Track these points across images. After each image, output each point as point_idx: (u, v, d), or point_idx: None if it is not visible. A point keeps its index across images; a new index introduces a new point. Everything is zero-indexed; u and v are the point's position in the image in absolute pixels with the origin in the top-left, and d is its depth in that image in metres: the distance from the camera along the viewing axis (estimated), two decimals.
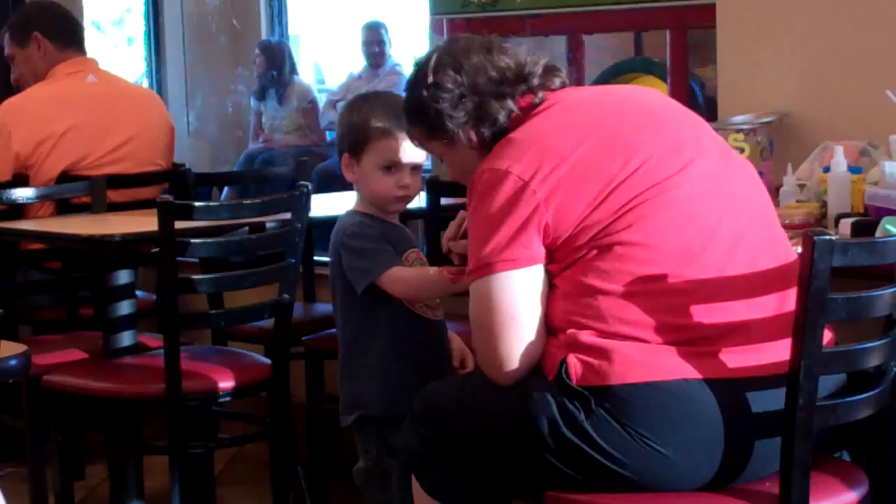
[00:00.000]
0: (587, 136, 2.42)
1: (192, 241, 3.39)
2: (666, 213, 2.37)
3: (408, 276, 2.91)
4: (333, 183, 6.39)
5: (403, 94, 2.71)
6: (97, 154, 4.46)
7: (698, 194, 2.41)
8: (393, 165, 2.94)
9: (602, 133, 2.43)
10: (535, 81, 2.55)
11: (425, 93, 2.57)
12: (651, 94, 2.73)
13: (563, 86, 2.60)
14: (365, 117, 2.95)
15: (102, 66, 4.74)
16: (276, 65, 7.65)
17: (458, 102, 2.54)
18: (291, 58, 7.77)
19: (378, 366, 2.96)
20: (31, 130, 4.41)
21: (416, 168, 2.97)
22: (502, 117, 2.53)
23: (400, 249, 2.97)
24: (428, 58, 2.61)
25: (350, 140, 2.98)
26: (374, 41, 7.67)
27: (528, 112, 2.53)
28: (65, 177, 4.43)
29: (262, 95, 7.78)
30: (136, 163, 4.51)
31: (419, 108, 2.60)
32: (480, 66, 2.55)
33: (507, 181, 2.39)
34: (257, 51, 7.55)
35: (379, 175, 2.96)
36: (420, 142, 2.71)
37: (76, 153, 4.43)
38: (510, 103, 2.53)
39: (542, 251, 2.40)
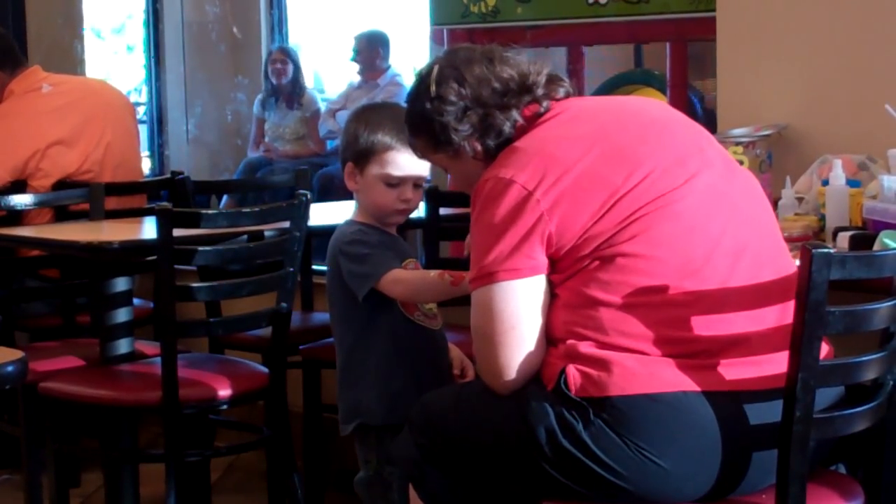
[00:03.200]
0: (592, 147, 2.42)
1: (191, 248, 3.39)
2: (668, 225, 2.37)
3: (408, 278, 2.92)
4: (334, 189, 6.39)
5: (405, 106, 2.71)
6: (83, 157, 4.49)
7: (701, 207, 2.41)
8: (396, 180, 2.95)
9: (606, 144, 2.43)
10: (540, 91, 2.54)
11: (429, 105, 2.56)
12: (656, 106, 2.73)
13: (567, 95, 2.59)
14: (373, 129, 2.95)
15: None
16: (296, 73, 7.64)
17: (463, 115, 2.53)
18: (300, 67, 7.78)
19: (377, 374, 2.97)
20: (13, 154, 4.44)
21: (418, 182, 2.98)
22: (507, 128, 2.52)
23: (398, 258, 2.97)
24: (429, 69, 2.60)
25: (354, 150, 2.98)
26: (362, 50, 7.65)
27: (533, 121, 2.53)
28: (62, 184, 4.44)
29: (269, 103, 7.76)
30: (115, 151, 4.59)
31: (423, 120, 2.59)
32: (483, 77, 2.54)
33: (511, 190, 2.39)
34: (282, 56, 7.51)
35: (381, 188, 2.96)
36: (423, 153, 2.70)
37: (64, 163, 4.46)
38: (515, 114, 2.52)
39: (544, 261, 2.40)
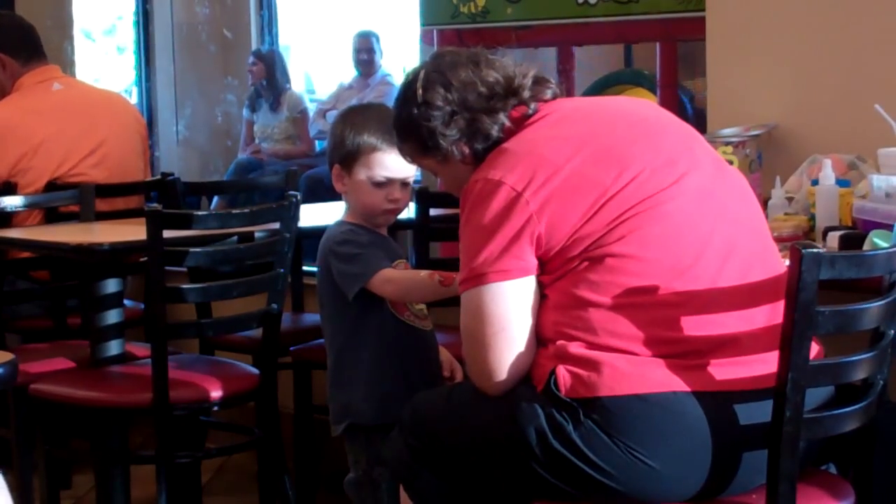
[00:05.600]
0: (581, 148, 2.42)
1: (181, 250, 3.38)
2: (658, 225, 2.37)
3: (399, 277, 2.92)
4: (321, 190, 6.39)
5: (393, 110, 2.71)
6: (75, 160, 4.47)
7: (691, 207, 2.41)
8: (383, 180, 2.95)
9: (596, 145, 2.43)
10: (526, 94, 2.54)
11: (416, 111, 2.55)
12: (645, 106, 2.73)
13: (554, 97, 2.59)
14: (358, 131, 2.96)
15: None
16: (272, 73, 7.66)
17: (450, 120, 2.53)
18: (285, 67, 7.78)
19: (368, 374, 2.97)
20: (9, 149, 4.42)
21: (405, 182, 2.99)
22: (495, 131, 2.52)
23: (388, 258, 2.97)
24: (415, 75, 2.60)
25: (341, 152, 2.99)
26: (364, 49, 7.69)
27: (521, 122, 2.53)
28: (52, 186, 4.43)
29: (255, 104, 7.78)
30: (113, 164, 4.54)
31: (411, 126, 2.58)
32: (469, 81, 2.54)
33: (501, 191, 2.39)
34: (253, 59, 7.55)
35: (369, 189, 2.97)
36: (412, 158, 2.70)
37: (56, 161, 4.44)
38: (502, 117, 2.52)
39: (534, 262, 2.40)
